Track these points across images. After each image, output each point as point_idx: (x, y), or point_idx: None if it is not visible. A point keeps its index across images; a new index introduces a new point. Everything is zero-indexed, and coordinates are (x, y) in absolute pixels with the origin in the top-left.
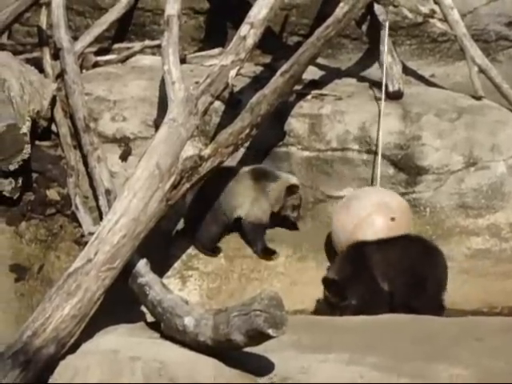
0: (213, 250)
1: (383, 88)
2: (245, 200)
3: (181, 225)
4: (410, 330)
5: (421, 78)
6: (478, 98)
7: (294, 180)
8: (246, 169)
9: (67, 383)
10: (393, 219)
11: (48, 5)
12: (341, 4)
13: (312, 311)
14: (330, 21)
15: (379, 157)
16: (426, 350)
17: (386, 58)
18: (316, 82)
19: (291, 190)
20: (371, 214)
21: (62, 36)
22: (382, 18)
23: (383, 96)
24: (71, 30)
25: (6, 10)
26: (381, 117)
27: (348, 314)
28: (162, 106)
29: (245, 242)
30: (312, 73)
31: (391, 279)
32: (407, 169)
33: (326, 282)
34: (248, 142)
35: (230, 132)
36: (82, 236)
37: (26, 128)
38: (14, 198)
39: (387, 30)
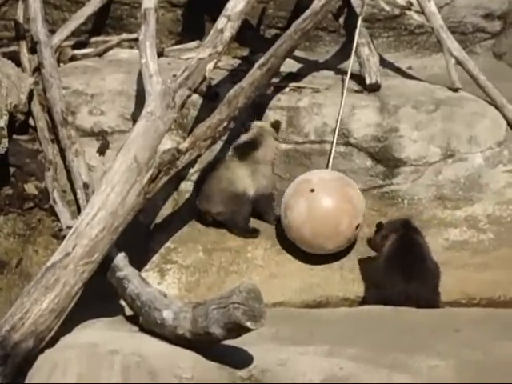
0: (251, 231)
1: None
2: (246, 179)
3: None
4: (390, 321)
5: (398, 70)
6: (455, 90)
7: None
8: (229, 153)
9: (46, 377)
10: (312, 190)
11: None
12: None
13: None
14: (307, 13)
15: (334, 141)
16: (406, 342)
17: (363, 50)
18: (293, 74)
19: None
20: (295, 193)
21: (39, 30)
22: (359, 10)
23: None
24: (48, 24)
25: None
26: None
27: None
28: (140, 99)
29: (257, 217)
30: (289, 65)
31: None
32: (385, 161)
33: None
34: (226, 135)
35: (207, 125)
36: (60, 230)
37: (3, 122)
38: None
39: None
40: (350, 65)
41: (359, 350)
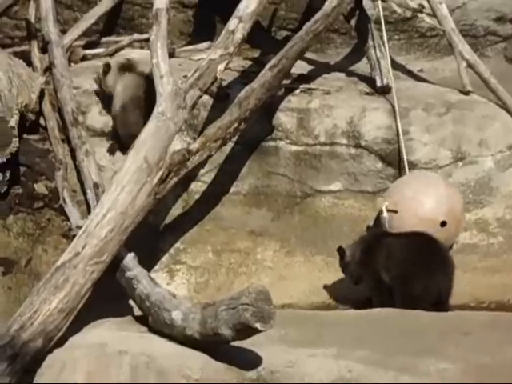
0: None
1: (393, 85)
2: None
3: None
4: (398, 324)
5: (409, 73)
6: (466, 93)
7: None
8: None
9: (54, 377)
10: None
11: None
12: None
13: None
14: (318, 15)
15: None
16: (415, 345)
17: (374, 52)
18: (304, 76)
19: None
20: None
21: (51, 29)
22: (371, 12)
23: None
24: (60, 24)
25: None
26: (396, 113)
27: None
28: None
29: None
30: (300, 67)
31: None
32: (395, 163)
33: (340, 252)
34: (236, 136)
35: (218, 126)
36: (70, 230)
37: (13, 121)
38: (2, 191)
39: (383, 24)
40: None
41: (368, 353)
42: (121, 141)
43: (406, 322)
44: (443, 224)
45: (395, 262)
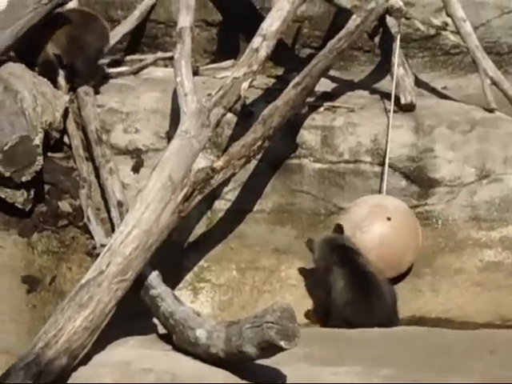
0: None
1: (392, 100)
2: None
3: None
4: (423, 342)
5: (433, 90)
6: (491, 111)
7: None
8: None
9: None
10: (389, 219)
11: None
12: (353, 16)
13: None
14: (342, 33)
15: (386, 166)
16: (440, 363)
17: (398, 70)
18: (328, 94)
19: None
20: (367, 217)
21: None
22: (394, 30)
23: (392, 108)
24: None
25: (19, 22)
26: (389, 128)
27: None
28: (175, 117)
29: None
30: (324, 85)
31: None
32: (419, 181)
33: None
34: (260, 154)
35: (242, 144)
36: (94, 248)
37: (38, 140)
38: (27, 209)
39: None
40: None
41: (392, 371)
42: (75, 70)
43: (430, 339)
44: None
45: (338, 288)
